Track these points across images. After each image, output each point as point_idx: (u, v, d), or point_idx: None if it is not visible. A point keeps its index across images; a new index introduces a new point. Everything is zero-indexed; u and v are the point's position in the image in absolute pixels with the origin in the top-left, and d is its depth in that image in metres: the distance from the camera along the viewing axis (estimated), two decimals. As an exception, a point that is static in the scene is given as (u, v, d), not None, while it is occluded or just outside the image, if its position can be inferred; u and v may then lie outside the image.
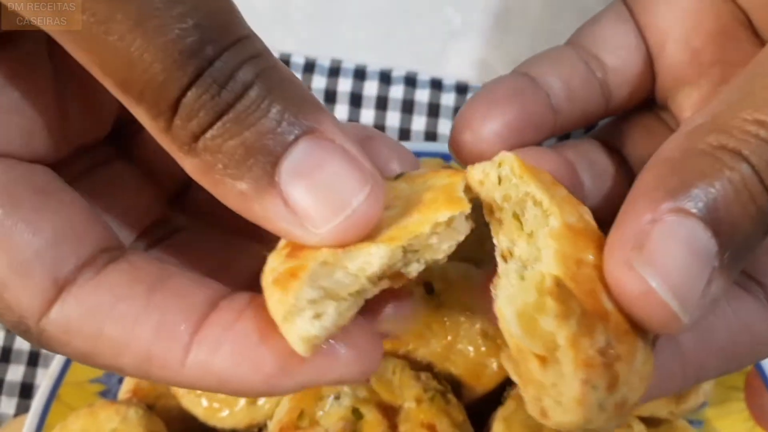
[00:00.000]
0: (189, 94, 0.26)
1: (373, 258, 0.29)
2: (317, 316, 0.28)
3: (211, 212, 0.38)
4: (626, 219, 0.29)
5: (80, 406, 0.59)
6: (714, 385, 0.61)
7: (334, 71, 0.78)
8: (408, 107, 0.77)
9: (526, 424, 0.55)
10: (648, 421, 0.60)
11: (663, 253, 0.27)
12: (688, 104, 0.41)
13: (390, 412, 0.55)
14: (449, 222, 0.30)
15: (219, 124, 0.27)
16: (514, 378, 0.30)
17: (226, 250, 0.38)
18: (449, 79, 0.79)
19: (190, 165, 0.28)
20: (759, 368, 0.65)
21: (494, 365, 0.59)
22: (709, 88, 0.40)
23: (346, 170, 0.28)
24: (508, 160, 0.32)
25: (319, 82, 0.77)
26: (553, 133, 0.41)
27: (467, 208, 0.31)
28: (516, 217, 0.32)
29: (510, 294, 0.30)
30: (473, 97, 0.39)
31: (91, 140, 0.37)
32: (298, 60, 0.78)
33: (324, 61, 0.78)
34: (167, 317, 0.29)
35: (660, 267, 0.27)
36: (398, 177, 0.35)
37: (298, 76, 0.76)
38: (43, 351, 0.71)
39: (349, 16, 0.80)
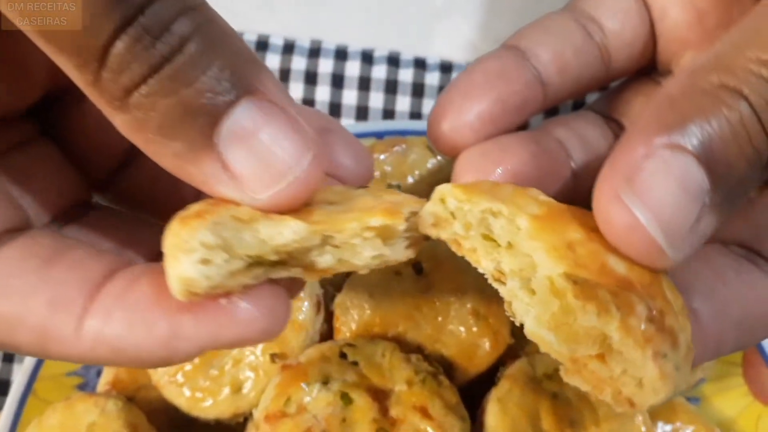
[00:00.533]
0: (118, 43, 0.25)
1: (285, 230, 0.28)
2: (204, 261, 0.26)
3: (140, 197, 0.37)
4: (620, 153, 0.28)
5: (57, 400, 0.56)
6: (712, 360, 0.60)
7: (315, 52, 0.76)
8: (391, 87, 0.75)
9: (522, 404, 0.54)
10: (645, 398, 0.58)
11: (653, 187, 0.27)
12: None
13: (380, 396, 0.53)
14: (384, 233, 0.29)
15: (154, 79, 0.25)
16: (586, 388, 0.28)
17: (145, 231, 0.36)
18: (433, 58, 0.77)
19: (120, 121, 0.27)
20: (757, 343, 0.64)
21: (486, 345, 0.57)
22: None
23: (287, 135, 0.27)
24: (448, 192, 0.31)
25: (299, 63, 0.75)
26: (543, 108, 0.39)
27: (402, 221, 0.30)
28: (486, 237, 0.31)
29: (534, 315, 0.28)
30: (450, 84, 0.38)
31: (10, 111, 0.34)
32: (276, 41, 0.76)
33: (304, 42, 0.76)
34: (62, 290, 0.28)
35: (648, 200, 0.27)
36: (358, 187, 0.34)
37: (278, 57, 0.75)
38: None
39: (343, 2, 0.78)
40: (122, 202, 0.38)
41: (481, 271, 0.31)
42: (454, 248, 0.32)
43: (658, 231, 0.27)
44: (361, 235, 0.29)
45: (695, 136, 0.27)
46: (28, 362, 0.58)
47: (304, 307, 0.57)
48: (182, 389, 0.56)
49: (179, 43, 0.25)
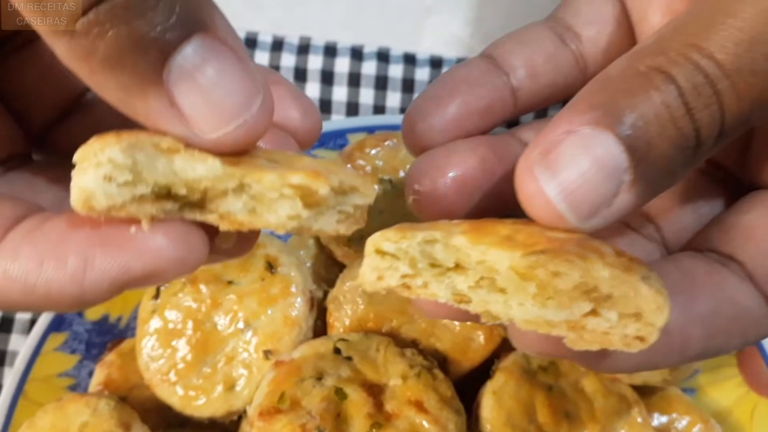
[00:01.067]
0: None
1: (199, 166, 0.27)
2: (107, 178, 0.26)
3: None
4: (546, 130, 0.29)
5: (49, 402, 0.56)
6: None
7: (304, 48, 0.75)
8: (381, 83, 0.75)
9: (517, 397, 0.54)
10: (641, 389, 0.58)
11: (565, 162, 0.28)
12: None
13: (375, 391, 0.53)
14: (306, 195, 0.28)
15: (104, 6, 0.24)
16: (596, 347, 0.28)
17: None
18: (423, 53, 0.77)
19: (64, 48, 0.25)
20: (750, 332, 0.64)
21: (481, 338, 0.57)
22: None
23: (238, 77, 0.27)
24: (380, 239, 0.31)
25: (288, 60, 0.75)
26: (517, 112, 0.40)
27: (324, 185, 0.29)
28: (433, 265, 0.30)
29: (518, 307, 0.29)
30: (423, 91, 0.39)
31: None
32: (265, 38, 0.75)
33: (293, 39, 0.76)
34: None
35: (558, 174, 0.28)
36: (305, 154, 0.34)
37: (266, 54, 0.74)
38: (9, 348, 0.67)
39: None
40: (60, 159, 0.37)
41: (442, 302, 0.31)
42: (405, 294, 0.31)
43: (563, 203, 0.28)
44: (280, 191, 0.28)
45: (618, 115, 0.28)
46: (19, 364, 0.58)
47: (297, 303, 0.57)
48: (175, 388, 0.55)
49: None
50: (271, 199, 0.28)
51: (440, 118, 0.37)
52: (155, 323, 0.57)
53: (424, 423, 0.51)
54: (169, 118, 0.27)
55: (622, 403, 0.56)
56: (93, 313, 0.62)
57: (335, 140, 0.67)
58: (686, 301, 0.32)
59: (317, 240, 0.63)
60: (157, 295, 0.58)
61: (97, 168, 0.26)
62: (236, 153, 0.28)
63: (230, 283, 0.58)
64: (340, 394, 0.52)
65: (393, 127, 0.67)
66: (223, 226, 0.29)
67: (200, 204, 0.28)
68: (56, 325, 0.60)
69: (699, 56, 0.28)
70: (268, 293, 0.57)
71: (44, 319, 0.60)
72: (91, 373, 0.60)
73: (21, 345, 0.66)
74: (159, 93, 0.26)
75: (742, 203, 0.36)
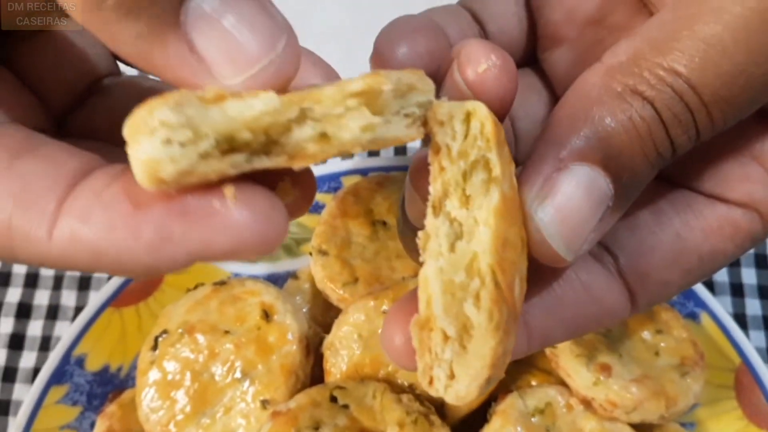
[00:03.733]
0: None
1: (256, 102, 0.25)
2: (167, 141, 0.24)
3: (98, 136, 0.34)
4: (536, 163, 0.30)
5: (51, 454, 0.56)
6: (703, 384, 0.59)
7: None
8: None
9: (514, 441, 0.54)
10: (639, 427, 0.58)
11: (561, 201, 0.29)
12: (560, 64, 0.41)
13: (372, 439, 0.53)
14: (369, 99, 0.26)
15: None
16: (415, 344, 0.29)
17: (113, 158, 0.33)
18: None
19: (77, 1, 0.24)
20: (749, 365, 0.64)
21: (477, 382, 0.57)
22: (583, 48, 0.40)
23: (259, 18, 0.25)
24: (481, 116, 0.29)
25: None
26: None
27: (386, 81, 0.27)
28: (464, 175, 0.29)
29: (439, 266, 0.28)
30: (391, 23, 0.36)
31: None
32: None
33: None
34: (31, 185, 0.26)
35: (556, 212, 0.29)
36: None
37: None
38: (13, 397, 0.68)
39: (313, 35, 0.79)
40: (80, 141, 0.35)
41: (429, 187, 0.30)
42: (431, 150, 0.30)
43: (562, 247, 0.29)
44: (344, 104, 0.26)
45: (603, 147, 0.29)
46: (21, 419, 0.58)
47: (293, 351, 0.57)
48: (176, 439, 0.56)
49: None
50: (338, 115, 0.26)
51: (413, 48, 0.34)
52: (154, 375, 0.57)
53: (421, 471, 0.51)
54: (191, 65, 0.25)
55: (620, 442, 0.56)
56: (93, 364, 0.63)
57: (329, 183, 0.68)
58: (554, 306, 0.33)
59: (312, 285, 0.63)
60: (155, 347, 0.58)
61: (152, 135, 0.23)
62: None
63: (227, 332, 0.58)
64: (337, 443, 0.52)
65: (386, 169, 0.68)
66: (297, 165, 0.26)
67: (266, 149, 0.26)
68: (57, 378, 0.61)
69: (672, 77, 0.29)
70: (265, 342, 0.57)
71: (45, 373, 0.60)
72: (92, 425, 0.61)
73: (24, 394, 0.67)
74: (178, 38, 0.25)
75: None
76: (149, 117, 0.23)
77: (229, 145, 0.25)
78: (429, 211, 0.30)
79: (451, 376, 0.28)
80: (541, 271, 0.32)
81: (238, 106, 0.25)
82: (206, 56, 0.25)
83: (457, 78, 0.32)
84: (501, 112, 0.32)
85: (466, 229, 0.29)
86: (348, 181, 0.68)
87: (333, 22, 0.83)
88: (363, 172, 0.68)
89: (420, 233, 0.29)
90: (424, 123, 0.30)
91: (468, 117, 0.30)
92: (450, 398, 0.28)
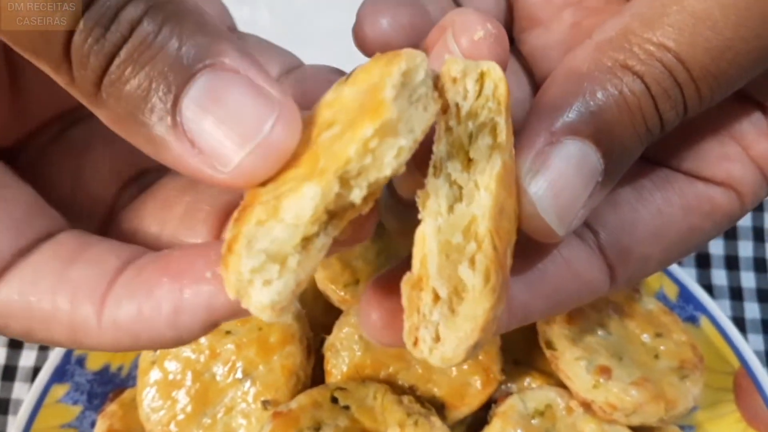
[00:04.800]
0: (74, 39, 0.25)
1: (305, 202, 0.25)
2: (266, 283, 0.25)
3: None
4: (528, 137, 0.30)
5: (51, 453, 0.56)
6: (702, 388, 0.60)
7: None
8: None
9: (514, 443, 0.54)
10: (639, 430, 0.58)
11: (552, 176, 0.29)
12: (537, 45, 0.40)
13: (373, 440, 0.53)
14: (383, 131, 0.26)
15: (113, 67, 0.25)
16: (404, 302, 0.28)
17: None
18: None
19: (103, 116, 0.27)
20: (748, 369, 0.64)
21: (477, 383, 0.57)
22: (561, 30, 0.39)
23: (248, 99, 0.27)
24: (496, 77, 0.29)
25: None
26: None
27: (389, 113, 0.26)
28: (470, 137, 0.29)
29: (438, 225, 0.28)
30: None
31: (49, 116, 0.35)
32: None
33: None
34: (81, 285, 0.29)
35: (549, 187, 0.29)
36: (347, 78, 0.31)
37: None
38: (13, 396, 0.68)
39: (316, 38, 0.79)
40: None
41: (434, 147, 0.29)
42: (440, 114, 0.30)
43: (555, 221, 0.29)
44: (368, 150, 0.26)
45: (595, 122, 0.29)
46: (21, 418, 0.58)
47: (294, 352, 0.57)
48: (176, 438, 0.56)
49: (129, 27, 0.25)
50: (371, 164, 0.26)
51: (396, 20, 0.34)
52: (155, 374, 0.57)
53: (422, 472, 0.51)
54: (194, 159, 0.27)
55: (620, 444, 0.57)
56: (94, 364, 0.63)
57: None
58: (535, 281, 0.33)
59: (314, 285, 0.63)
60: (156, 346, 0.58)
61: (252, 286, 0.25)
62: (265, 178, 0.27)
63: (228, 332, 0.58)
64: (338, 444, 0.52)
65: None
66: (364, 210, 0.27)
67: (331, 216, 0.27)
68: (58, 377, 0.61)
69: (661, 52, 0.29)
70: (266, 342, 0.58)
71: (46, 371, 0.61)
72: (93, 424, 0.61)
73: (24, 393, 0.67)
74: (178, 137, 0.26)
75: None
76: (239, 276, 0.25)
77: (306, 242, 0.26)
78: (430, 171, 0.29)
79: (437, 339, 0.28)
80: (527, 248, 0.32)
81: (291, 212, 0.26)
82: (204, 148, 0.27)
83: (451, 45, 0.31)
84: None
85: (466, 192, 0.29)
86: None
87: (336, 24, 0.83)
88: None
89: (419, 192, 0.29)
90: (435, 86, 0.30)
91: (482, 77, 0.30)
92: (435, 360, 0.28)
